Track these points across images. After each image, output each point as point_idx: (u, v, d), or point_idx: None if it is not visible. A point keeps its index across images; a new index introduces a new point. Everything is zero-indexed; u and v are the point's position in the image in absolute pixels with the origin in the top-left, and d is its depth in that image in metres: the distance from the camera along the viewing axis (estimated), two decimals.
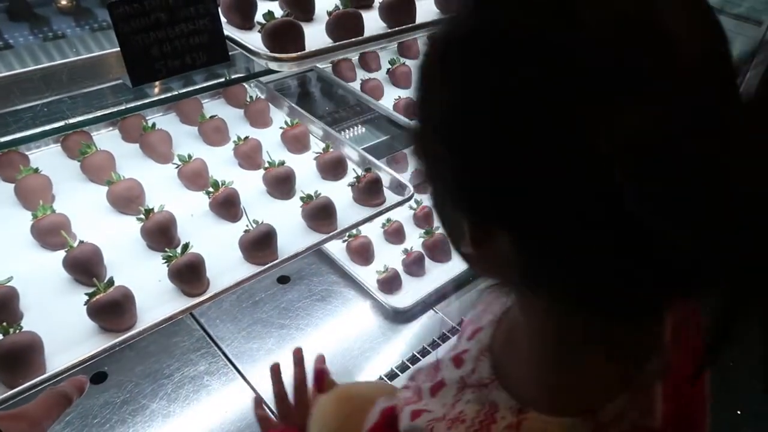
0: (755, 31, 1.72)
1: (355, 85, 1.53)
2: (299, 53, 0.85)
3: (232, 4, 0.94)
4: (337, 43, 0.89)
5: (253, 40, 0.92)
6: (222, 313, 1.38)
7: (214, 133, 1.30)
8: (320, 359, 0.86)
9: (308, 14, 1.00)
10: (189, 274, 0.95)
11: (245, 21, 0.95)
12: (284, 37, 0.86)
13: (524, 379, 0.49)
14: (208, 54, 0.85)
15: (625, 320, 0.43)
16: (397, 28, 0.96)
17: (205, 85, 1.25)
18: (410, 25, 0.98)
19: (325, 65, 1.60)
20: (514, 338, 0.51)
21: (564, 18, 0.34)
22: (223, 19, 0.97)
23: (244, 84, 1.47)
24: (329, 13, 0.94)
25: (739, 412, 1.79)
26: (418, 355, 1.29)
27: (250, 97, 1.41)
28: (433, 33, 0.43)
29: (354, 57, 1.64)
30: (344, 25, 0.92)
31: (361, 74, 1.58)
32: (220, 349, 1.31)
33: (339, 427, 0.72)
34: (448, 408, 0.51)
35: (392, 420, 0.57)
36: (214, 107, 1.43)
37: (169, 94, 1.16)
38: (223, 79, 1.44)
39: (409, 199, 1.18)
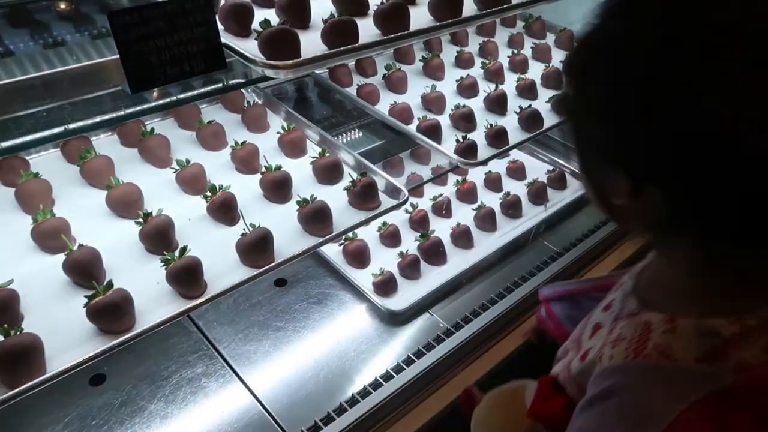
0: None
1: (352, 90, 1.55)
2: (294, 60, 0.87)
3: (230, 13, 0.96)
4: (332, 51, 0.91)
5: (250, 47, 0.93)
6: (219, 316, 1.40)
7: (212, 138, 1.32)
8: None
9: (304, 22, 1.02)
10: (186, 277, 0.97)
11: (242, 29, 0.97)
12: (280, 44, 0.88)
13: (672, 302, 0.60)
14: (205, 61, 0.87)
15: (756, 243, 0.54)
16: (390, 36, 0.98)
17: (202, 90, 1.27)
18: (404, 33, 1.00)
19: (321, 71, 1.62)
20: (657, 278, 0.65)
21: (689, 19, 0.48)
22: (220, 27, 0.99)
23: (242, 90, 1.49)
24: (324, 21, 0.96)
25: None
26: (413, 357, 1.31)
27: (248, 102, 1.43)
28: (585, 34, 0.56)
29: (350, 62, 1.65)
30: (339, 33, 0.94)
31: (358, 79, 1.60)
32: (217, 351, 1.32)
33: (504, 423, 0.85)
34: (606, 338, 0.64)
35: (551, 384, 0.74)
36: (212, 112, 1.45)
37: (167, 100, 1.18)
38: (220, 85, 1.46)
39: (404, 203, 1.19)
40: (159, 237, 1.04)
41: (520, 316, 1.45)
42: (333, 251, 1.56)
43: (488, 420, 0.87)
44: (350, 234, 1.56)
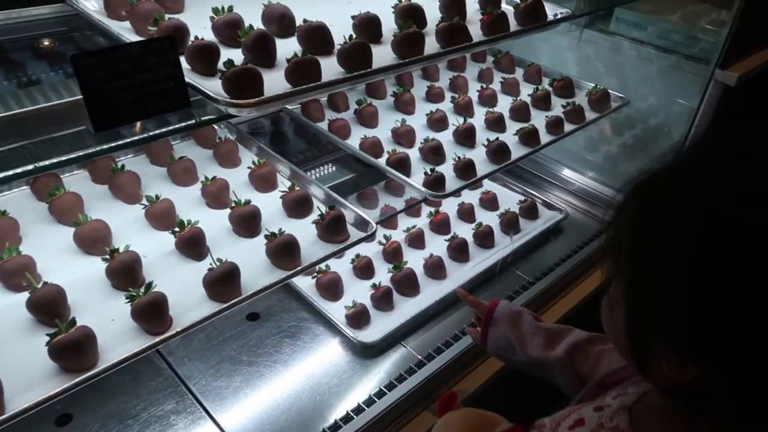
0: (705, 71, 1.81)
1: (323, 125, 1.57)
2: (257, 99, 0.89)
3: (196, 53, 0.98)
4: (293, 89, 0.93)
5: (215, 86, 0.96)
6: (190, 352, 1.39)
7: (182, 173, 1.33)
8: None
9: (269, 61, 1.05)
10: (151, 313, 0.97)
11: (208, 68, 0.99)
12: (243, 83, 0.90)
13: None
14: (168, 101, 0.89)
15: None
16: (353, 74, 1.01)
17: (168, 129, 1.26)
18: (366, 71, 1.03)
19: (294, 106, 1.65)
20: (652, 417, 0.65)
21: None
22: (187, 67, 1.02)
23: (215, 126, 1.51)
24: (288, 61, 0.98)
25: None
26: (385, 390, 1.31)
27: (219, 138, 1.45)
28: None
29: (323, 98, 1.69)
30: (302, 72, 0.96)
31: (330, 114, 1.63)
32: (187, 387, 1.31)
33: None
34: None
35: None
36: (184, 149, 1.46)
37: (135, 138, 1.19)
38: (193, 121, 1.49)
39: (372, 235, 1.21)
40: (125, 273, 1.04)
41: None
42: (306, 284, 1.57)
43: (452, 430, 0.91)
44: (323, 267, 1.57)
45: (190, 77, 0.96)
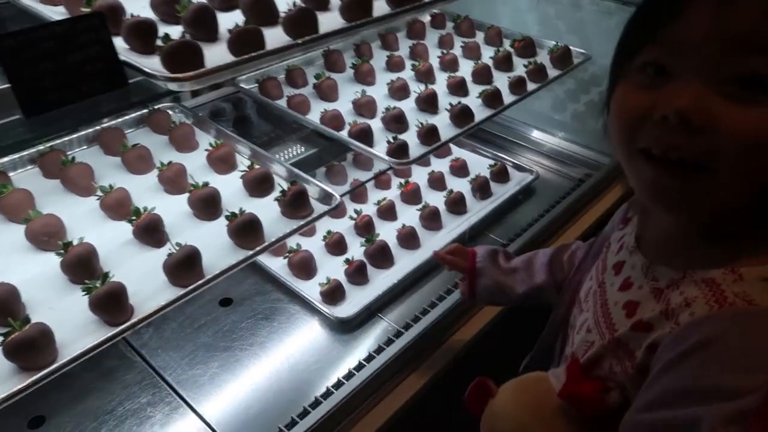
0: None
1: (283, 103, 1.54)
2: (196, 72, 0.86)
3: (132, 30, 0.94)
4: (236, 60, 0.90)
5: (155, 64, 0.92)
6: (163, 342, 1.36)
7: (137, 161, 1.29)
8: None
9: (212, 34, 1.01)
10: (110, 304, 0.94)
11: (146, 46, 0.95)
12: (181, 57, 0.87)
13: (718, 255, 0.62)
14: (104, 81, 0.85)
15: None
16: (298, 41, 0.97)
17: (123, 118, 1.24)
18: (313, 36, 1.00)
19: (251, 86, 1.61)
20: (680, 243, 0.67)
21: None
22: (125, 46, 0.98)
23: (169, 111, 1.47)
24: (230, 31, 0.95)
25: None
26: (364, 362, 1.29)
27: (173, 122, 1.40)
28: None
29: (280, 76, 1.65)
30: (244, 41, 0.93)
31: (288, 91, 1.59)
32: (162, 378, 1.29)
33: (534, 409, 0.78)
34: (663, 306, 0.64)
35: (581, 368, 0.73)
36: (138, 136, 1.42)
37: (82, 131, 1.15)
38: (146, 110, 1.45)
39: (336, 207, 1.19)
40: (81, 266, 1.01)
41: (470, 309, 1.45)
42: (278, 265, 1.54)
43: (513, 410, 0.79)
44: (294, 246, 1.55)
45: (128, 56, 0.92)
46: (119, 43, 0.97)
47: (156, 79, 0.85)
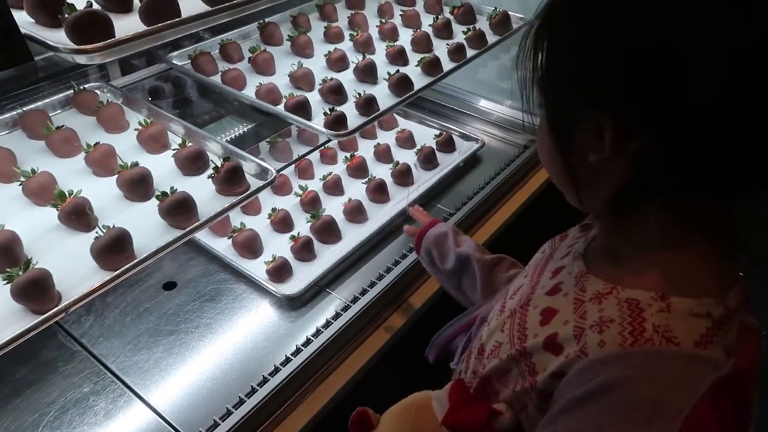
0: None
1: (217, 78, 1.49)
2: (104, 43, 0.82)
3: (35, 2, 0.89)
4: (148, 29, 0.86)
5: (63, 37, 0.87)
6: (105, 330, 1.33)
7: (63, 144, 1.23)
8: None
9: (126, 5, 0.97)
10: (33, 291, 0.90)
11: (53, 18, 0.90)
12: (87, 28, 0.82)
13: (652, 275, 0.57)
14: (5, 55, 0.80)
15: (723, 200, 0.56)
16: (216, 7, 0.94)
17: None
18: (232, 3, 0.96)
19: (184, 62, 1.56)
20: (617, 252, 0.62)
21: None
22: (30, 20, 0.92)
23: (96, 91, 1.41)
24: (141, 1, 0.90)
25: None
26: (311, 338, 1.28)
27: (101, 102, 1.34)
28: None
29: (214, 51, 1.60)
30: (156, 10, 0.89)
31: (223, 66, 1.54)
32: (105, 366, 1.25)
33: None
34: (579, 321, 0.58)
35: (466, 388, 0.70)
36: (64, 118, 1.35)
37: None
38: (72, 91, 1.38)
39: (271, 182, 1.16)
40: (2, 254, 0.96)
41: (419, 277, 1.45)
42: (223, 245, 1.51)
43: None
44: (238, 225, 1.52)
45: (33, 30, 0.87)
46: (24, 17, 0.92)
47: (59, 52, 0.80)
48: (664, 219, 0.57)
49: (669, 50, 0.48)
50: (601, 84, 0.53)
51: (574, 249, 0.70)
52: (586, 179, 0.60)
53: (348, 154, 1.81)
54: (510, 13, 1.79)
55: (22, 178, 1.13)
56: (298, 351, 1.25)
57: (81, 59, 0.82)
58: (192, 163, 1.20)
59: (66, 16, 0.84)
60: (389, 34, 1.71)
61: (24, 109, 1.34)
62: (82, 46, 0.80)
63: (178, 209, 1.07)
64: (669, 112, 0.50)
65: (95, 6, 0.85)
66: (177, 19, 0.89)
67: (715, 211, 0.57)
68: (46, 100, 1.39)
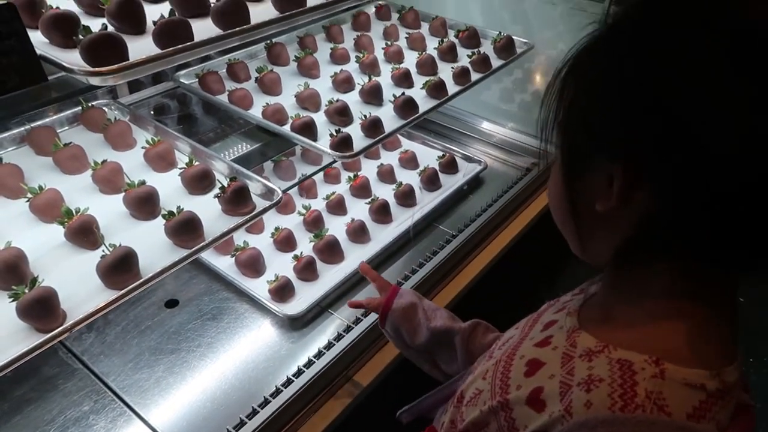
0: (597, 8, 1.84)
1: (224, 98, 1.50)
2: (118, 65, 0.83)
3: (51, 23, 0.90)
4: (161, 52, 0.87)
5: (77, 58, 0.88)
6: (106, 348, 1.32)
7: (70, 161, 1.24)
8: None
9: (139, 27, 0.98)
10: (38, 310, 0.90)
11: (68, 39, 0.91)
12: (102, 50, 0.83)
13: (648, 337, 0.55)
14: (20, 76, 0.81)
15: (729, 270, 0.54)
16: (228, 32, 0.95)
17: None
18: (243, 28, 0.98)
19: (191, 81, 1.57)
20: (615, 310, 0.59)
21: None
22: (44, 40, 0.94)
23: (104, 108, 1.42)
24: (155, 23, 0.92)
25: None
26: (313, 359, 1.28)
27: (109, 120, 1.35)
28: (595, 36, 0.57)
29: (222, 70, 1.61)
30: (170, 33, 0.90)
31: (231, 86, 1.55)
32: (105, 384, 1.25)
33: None
34: (563, 376, 0.56)
35: None
36: (72, 135, 1.36)
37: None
38: (79, 108, 1.39)
39: (277, 203, 1.17)
40: (8, 271, 0.96)
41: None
42: (226, 264, 1.51)
43: None
44: (241, 244, 1.52)
45: (47, 50, 0.88)
46: (39, 37, 0.93)
47: (73, 74, 0.81)
48: (666, 282, 0.55)
49: (687, 115, 0.48)
50: (616, 133, 0.53)
51: (569, 306, 0.68)
52: (590, 228, 0.59)
53: (351, 174, 1.82)
54: (514, 37, 1.82)
55: (29, 195, 1.13)
56: (300, 372, 1.25)
57: (95, 81, 0.83)
58: (198, 182, 1.20)
59: (81, 37, 0.85)
60: (395, 57, 1.73)
61: (32, 125, 1.35)
62: (98, 69, 0.81)
63: (185, 229, 1.08)
64: (676, 170, 0.49)
65: (110, 28, 0.86)
66: (189, 43, 0.90)
67: (722, 280, 0.55)
68: (54, 117, 1.41)
